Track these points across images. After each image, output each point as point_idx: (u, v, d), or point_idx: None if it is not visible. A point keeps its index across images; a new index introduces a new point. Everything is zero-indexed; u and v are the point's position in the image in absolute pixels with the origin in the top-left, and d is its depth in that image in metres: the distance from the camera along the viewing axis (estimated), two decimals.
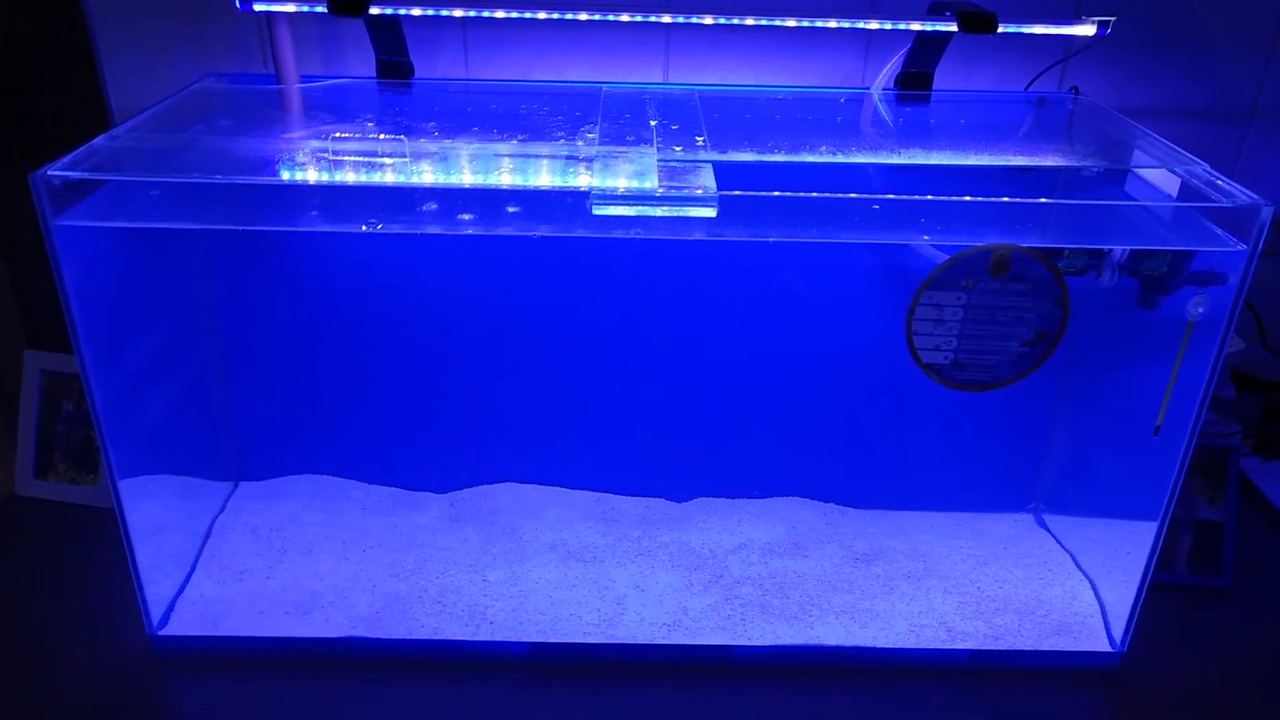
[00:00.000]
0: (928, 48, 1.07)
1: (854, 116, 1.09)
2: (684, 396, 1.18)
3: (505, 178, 0.83)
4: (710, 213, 0.81)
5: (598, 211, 0.81)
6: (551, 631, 1.02)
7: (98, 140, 0.88)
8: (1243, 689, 0.99)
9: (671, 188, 0.82)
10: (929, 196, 0.80)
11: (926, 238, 0.88)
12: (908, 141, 0.97)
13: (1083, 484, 1.15)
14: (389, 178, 0.83)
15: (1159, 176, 0.90)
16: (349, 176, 0.82)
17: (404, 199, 0.84)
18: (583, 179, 0.83)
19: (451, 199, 0.83)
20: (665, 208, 0.81)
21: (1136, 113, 1.19)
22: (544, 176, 0.85)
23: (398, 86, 1.10)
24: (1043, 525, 1.19)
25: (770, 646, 1.01)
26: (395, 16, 1.03)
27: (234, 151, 0.89)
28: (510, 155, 0.88)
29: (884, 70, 1.12)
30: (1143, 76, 1.19)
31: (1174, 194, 0.90)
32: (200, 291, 1.12)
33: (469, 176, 0.84)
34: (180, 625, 1.02)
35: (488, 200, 0.83)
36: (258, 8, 0.98)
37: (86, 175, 0.82)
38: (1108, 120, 1.06)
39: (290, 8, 0.99)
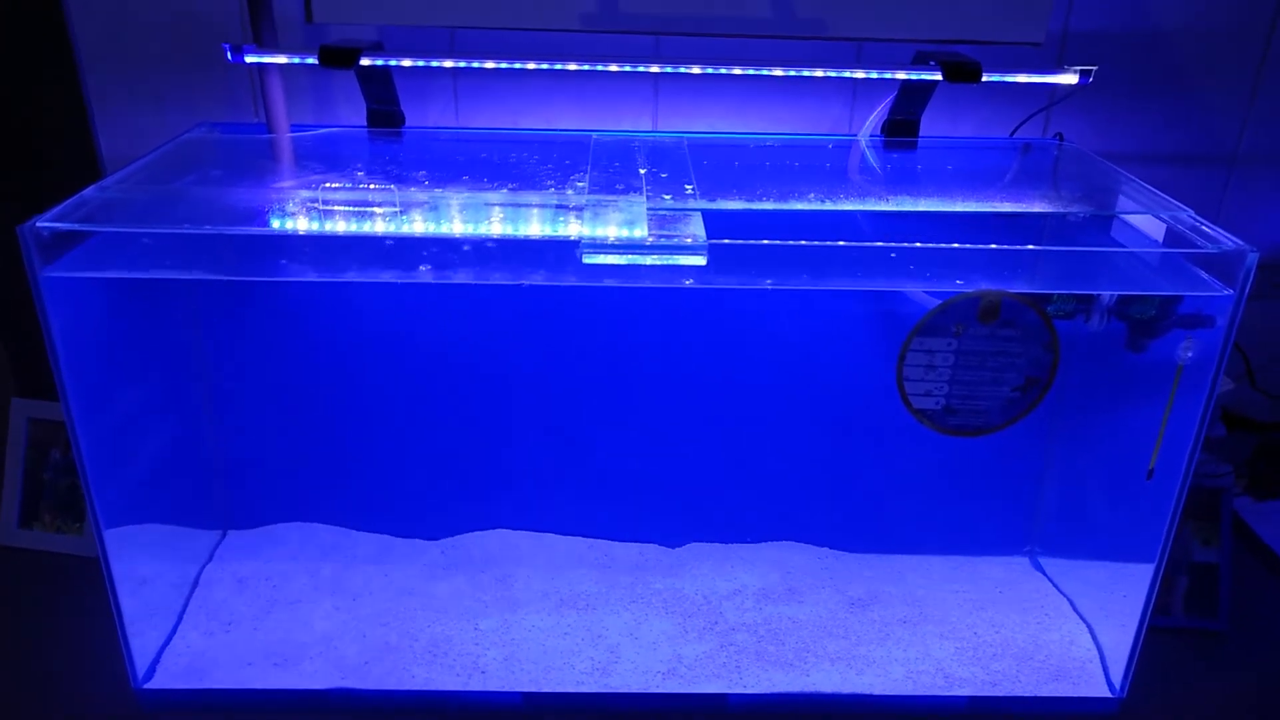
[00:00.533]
0: (913, 96, 1.08)
1: (842, 163, 1.10)
2: (676, 442, 1.18)
3: (495, 227, 0.84)
4: (700, 261, 0.81)
5: (588, 260, 0.81)
6: (545, 681, 1.01)
7: (88, 191, 0.88)
8: None
9: (661, 236, 0.82)
10: (918, 244, 0.80)
11: (917, 288, 0.89)
12: (895, 188, 0.98)
13: (1078, 527, 1.15)
14: (379, 227, 0.83)
15: (1145, 222, 0.91)
16: (339, 226, 0.82)
17: (393, 248, 0.84)
18: (573, 228, 0.84)
19: (440, 248, 0.83)
20: (655, 256, 0.81)
21: (1121, 158, 1.20)
22: (534, 225, 0.85)
23: (388, 135, 1.10)
24: (1039, 568, 1.19)
25: (767, 695, 1.00)
26: (386, 68, 1.04)
27: (225, 201, 0.89)
28: (500, 204, 0.89)
29: (871, 118, 1.13)
30: (1126, 122, 1.20)
31: (1160, 239, 0.90)
32: (188, 339, 1.11)
33: (459, 226, 0.84)
34: (166, 678, 1.00)
35: (478, 249, 0.83)
36: (249, 59, 0.99)
37: (76, 227, 0.82)
38: (1092, 166, 1.07)
39: (281, 59, 1.00)
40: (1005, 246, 0.82)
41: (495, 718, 0.98)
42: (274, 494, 1.21)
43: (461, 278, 0.84)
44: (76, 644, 1.05)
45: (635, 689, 1.00)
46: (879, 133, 1.14)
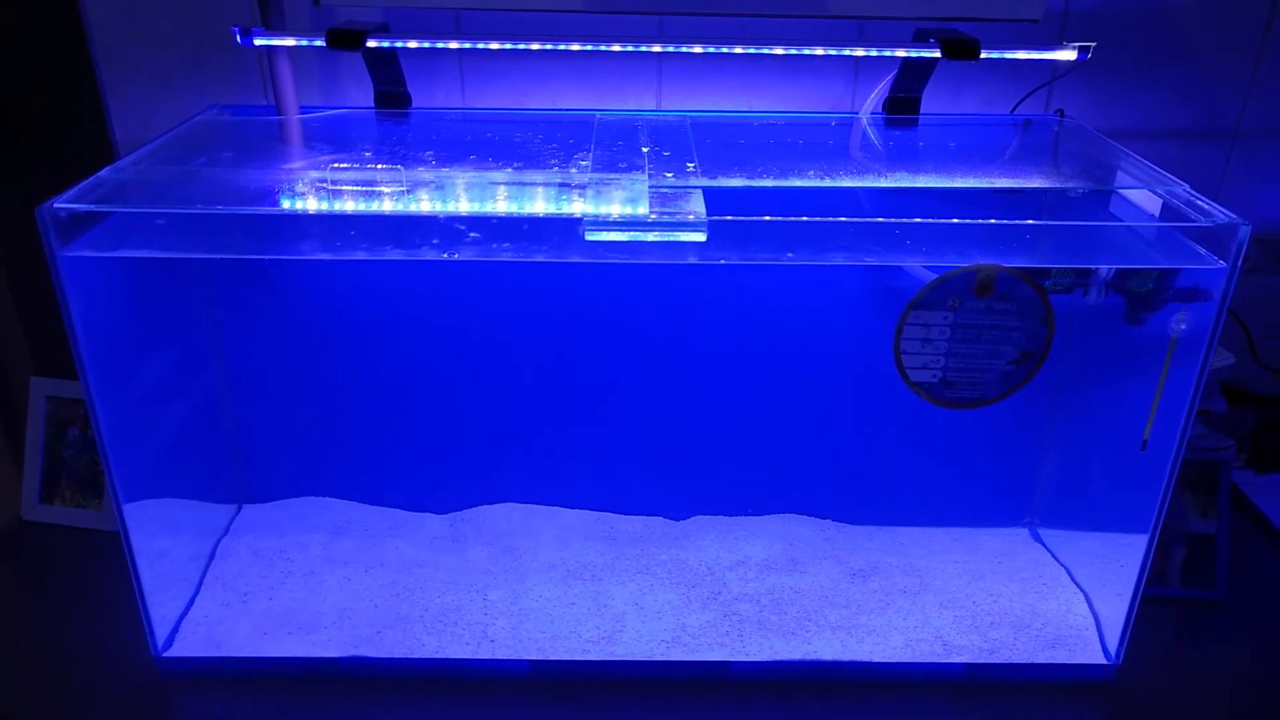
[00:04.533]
0: (914, 73, 1.09)
1: (843, 141, 1.11)
2: (681, 416, 1.20)
3: (500, 205, 0.85)
4: (700, 237, 0.83)
5: (590, 237, 0.83)
6: (551, 649, 1.03)
7: (103, 172, 0.90)
8: (1237, 700, 1.00)
9: (663, 213, 0.84)
10: (917, 219, 0.81)
11: (917, 264, 0.90)
12: (896, 165, 0.99)
13: (1076, 498, 1.16)
14: (387, 206, 0.85)
15: (1141, 197, 0.92)
16: (348, 206, 0.84)
17: (401, 227, 0.86)
18: (576, 206, 0.85)
19: (447, 226, 0.85)
20: (656, 233, 0.83)
21: (1122, 134, 1.21)
22: (538, 204, 0.87)
23: (396, 116, 1.12)
24: (1038, 539, 1.21)
25: (768, 662, 1.02)
26: (392, 49, 1.06)
27: (237, 182, 0.91)
28: (505, 183, 0.91)
29: (872, 95, 1.14)
30: (1127, 98, 1.21)
31: (1156, 214, 0.92)
32: (202, 317, 1.14)
33: (465, 204, 0.86)
34: (185, 646, 1.03)
35: (483, 227, 0.85)
36: (259, 42, 1.01)
37: (92, 207, 0.84)
38: (1091, 142, 1.08)
39: (290, 42, 1.02)
40: (1004, 221, 0.83)
41: (503, 685, 1.01)
42: (288, 469, 1.24)
43: (468, 255, 0.86)
44: (97, 614, 1.08)
45: (640, 657, 1.03)
46: (880, 110, 1.15)
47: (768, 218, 0.82)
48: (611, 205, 0.85)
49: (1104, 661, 1.03)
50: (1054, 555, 1.17)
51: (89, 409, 0.90)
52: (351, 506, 1.24)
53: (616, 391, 1.18)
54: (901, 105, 1.13)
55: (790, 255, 0.86)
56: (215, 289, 1.13)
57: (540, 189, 0.90)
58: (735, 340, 1.15)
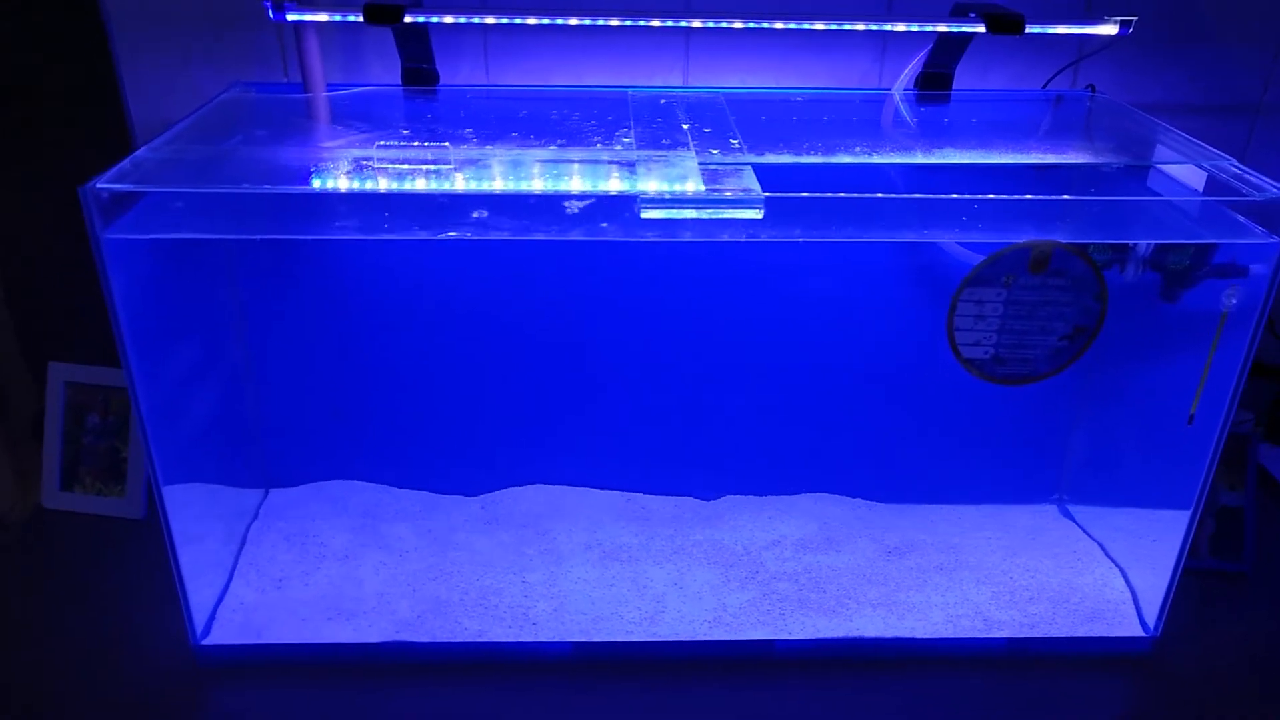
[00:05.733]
0: (949, 48, 1.09)
1: (881, 117, 1.11)
2: (709, 396, 1.19)
3: (554, 183, 0.84)
4: (757, 214, 0.82)
5: (646, 215, 0.82)
6: (594, 631, 1.03)
7: (140, 152, 0.88)
8: (1273, 667, 1.01)
9: (716, 190, 0.83)
10: (971, 195, 0.81)
11: (969, 239, 0.90)
12: (938, 141, 0.99)
13: (1106, 474, 1.17)
14: (438, 185, 0.83)
15: (1186, 172, 0.92)
16: (398, 185, 0.83)
17: (449, 205, 0.85)
18: (623, 184, 0.84)
19: (498, 205, 0.84)
20: (711, 210, 0.82)
21: (1143, 109, 1.21)
22: (589, 181, 0.86)
23: (425, 94, 1.10)
24: (1067, 515, 1.22)
25: (812, 640, 1.02)
26: (423, 25, 1.04)
27: (278, 161, 0.90)
28: (554, 160, 0.89)
29: (906, 71, 1.14)
30: (1150, 73, 1.21)
31: (1200, 188, 0.92)
32: (230, 299, 1.12)
33: (517, 182, 0.85)
34: (223, 634, 1.02)
35: (538, 206, 0.84)
36: (291, 17, 0.99)
37: (135, 188, 0.82)
38: (1128, 117, 1.08)
39: (323, 17, 1.00)
40: (1061, 197, 0.83)
41: (547, 668, 1.01)
42: (315, 452, 1.22)
43: (515, 234, 0.84)
44: (129, 603, 1.07)
45: (683, 638, 1.03)
46: (912, 86, 1.14)
47: (827, 194, 0.81)
48: (664, 182, 0.84)
49: (1142, 634, 1.04)
50: (1085, 530, 1.18)
51: (130, 392, 0.88)
52: (380, 490, 1.23)
53: (644, 371, 1.18)
54: (935, 81, 1.12)
55: (843, 232, 0.85)
56: (241, 270, 1.11)
57: (591, 166, 0.89)
58: (762, 320, 1.15)
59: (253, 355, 1.16)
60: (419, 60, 1.09)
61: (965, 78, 1.17)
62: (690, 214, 0.82)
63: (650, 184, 0.83)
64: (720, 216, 0.82)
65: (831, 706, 0.97)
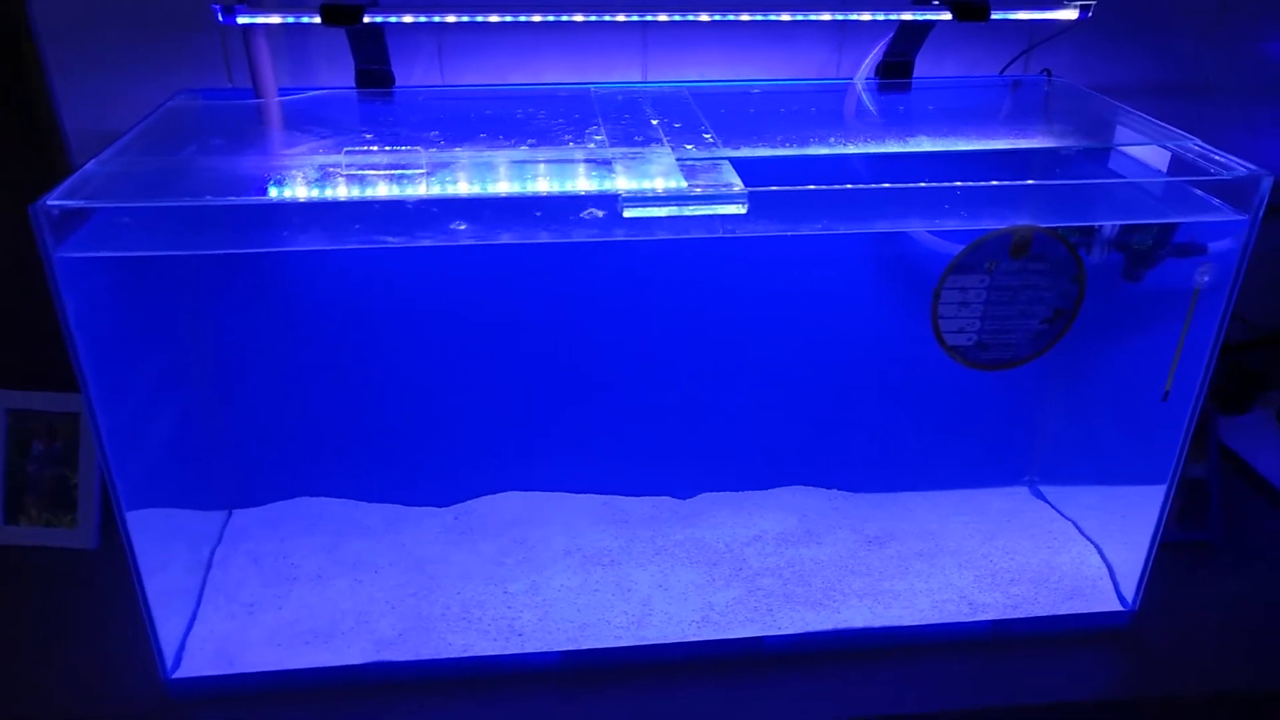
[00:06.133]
0: (910, 36, 1.09)
1: (847, 107, 1.10)
2: (681, 394, 1.18)
3: (532, 184, 0.82)
4: (741, 209, 0.81)
5: (629, 214, 0.80)
6: (581, 638, 1.01)
7: (89, 166, 0.84)
8: (1247, 631, 1.04)
9: (699, 186, 0.81)
10: (959, 183, 0.81)
11: (954, 227, 0.90)
12: (910, 129, 0.98)
13: (1075, 454, 1.19)
14: (411, 190, 0.80)
15: (1152, 153, 0.93)
16: (371, 191, 0.80)
17: (421, 212, 0.82)
18: (610, 182, 0.83)
19: (476, 209, 0.81)
20: (695, 206, 0.81)
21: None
22: (570, 181, 0.84)
23: (382, 96, 1.07)
24: (1039, 496, 1.23)
25: (801, 634, 1.02)
26: (378, 25, 1.01)
27: (238, 171, 0.86)
28: (526, 161, 0.87)
29: (867, 60, 1.14)
30: (1100, 56, 1.23)
31: (1164, 169, 0.93)
32: (183, 314, 1.07)
33: (498, 185, 0.82)
34: (195, 665, 0.98)
35: (510, 208, 0.82)
36: (242, 20, 0.94)
37: (88, 204, 0.78)
38: (1088, 100, 1.09)
39: (275, 19, 0.96)
40: (1052, 182, 0.83)
41: (536, 679, 0.99)
42: (277, 470, 1.18)
43: (493, 238, 0.82)
44: (90, 638, 1.02)
45: (672, 639, 1.01)
46: (873, 75, 1.14)
47: (812, 187, 0.81)
48: (645, 180, 0.82)
49: (1121, 608, 1.05)
50: (1058, 510, 1.20)
51: (89, 416, 0.83)
52: (347, 505, 1.20)
53: (614, 371, 1.16)
54: (896, 69, 1.12)
55: (823, 224, 0.84)
56: (196, 285, 1.06)
57: (568, 165, 0.87)
58: (730, 316, 1.14)
59: (211, 371, 1.11)
60: (374, 62, 1.06)
61: (920, 65, 1.17)
62: (673, 211, 0.80)
63: (633, 182, 0.82)
64: (703, 213, 0.81)
65: (824, 699, 0.97)
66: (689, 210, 0.81)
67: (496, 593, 1.06)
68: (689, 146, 0.90)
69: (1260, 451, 1.32)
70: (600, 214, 0.79)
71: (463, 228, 0.81)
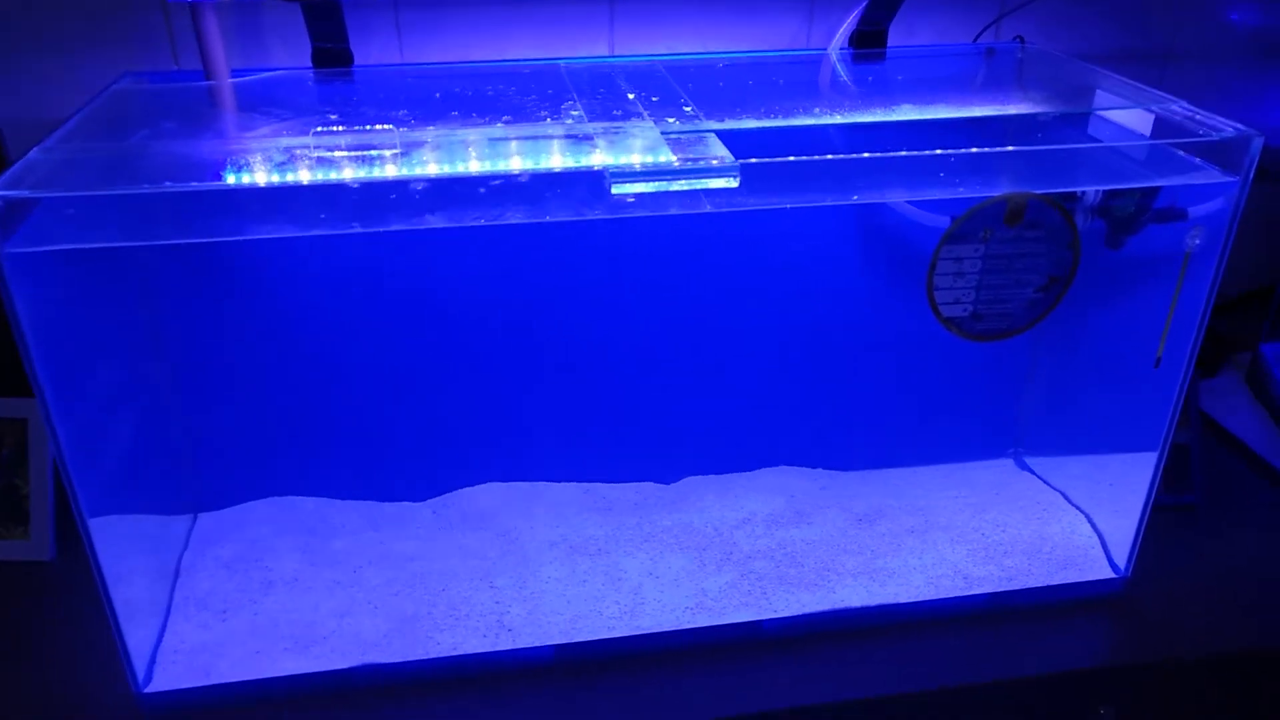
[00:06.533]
0: (884, 5, 1.07)
1: (825, 77, 1.08)
2: (660, 377, 1.15)
3: (513, 162, 0.78)
4: (733, 183, 0.78)
5: (617, 190, 0.77)
6: (574, 631, 0.98)
7: (32, 154, 0.78)
8: (1236, 591, 1.04)
9: (687, 159, 0.78)
10: (952, 151, 0.79)
11: (947, 195, 0.88)
12: (892, 99, 0.96)
13: (1060, 424, 1.19)
14: (388, 171, 0.76)
15: (1137, 116, 0.92)
16: (347, 174, 0.75)
17: (404, 192, 0.78)
18: (595, 158, 0.79)
19: (459, 189, 0.77)
20: (684, 181, 0.78)
21: None
22: (554, 158, 0.80)
23: (341, 76, 1.02)
24: (1025, 467, 1.23)
25: (798, 616, 1.00)
26: (337, 0, 0.96)
27: (197, 156, 0.81)
28: (506, 139, 0.83)
29: (841, 29, 1.11)
30: (1064, 25, 1.22)
31: (1149, 132, 0.92)
32: (139, 309, 1.02)
33: (475, 164, 0.78)
34: (168, 679, 0.93)
35: (494, 188, 0.78)
36: None
37: (36, 194, 0.73)
38: (1064, 65, 1.08)
39: None
40: (1050, 147, 0.82)
41: (530, 674, 0.96)
42: (243, 470, 1.13)
43: (477, 220, 0.78)
44: (53, 656, 0.96)
45: (666, 627, 0.99)
46: (846, 45, 1.12)
47: (805, 158, 0.78)
48: (631, 155, 0.79)
49: (1113, 575, 1.05)
50: (1045, 481, 1.19)
51: (45, 420, 0.78)
52: (319, 503, 1.15)
53: (591, 355, 1.13)
54: (870, 39, 1.10)
55: (813, 196, 0.82)
56: (152, 277, 1.01)
57: (553, 142, 0.83)
58: (708, 296, 1.11)
59: (170, 369, 1.06)
60: (331, 40, 1.01)
61: (892, 35, 1.15)
62: (663, 186, 0.77)
63: (617, 157, 0.78)
64: (694, 187, 0.78)
65: (824, 680, 0.95)
66: (679, 185, 0.78)
67: (482, 587, 1.03)
68: (671, 120, 0.87)
69: (1232, 414, 1.33)
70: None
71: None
